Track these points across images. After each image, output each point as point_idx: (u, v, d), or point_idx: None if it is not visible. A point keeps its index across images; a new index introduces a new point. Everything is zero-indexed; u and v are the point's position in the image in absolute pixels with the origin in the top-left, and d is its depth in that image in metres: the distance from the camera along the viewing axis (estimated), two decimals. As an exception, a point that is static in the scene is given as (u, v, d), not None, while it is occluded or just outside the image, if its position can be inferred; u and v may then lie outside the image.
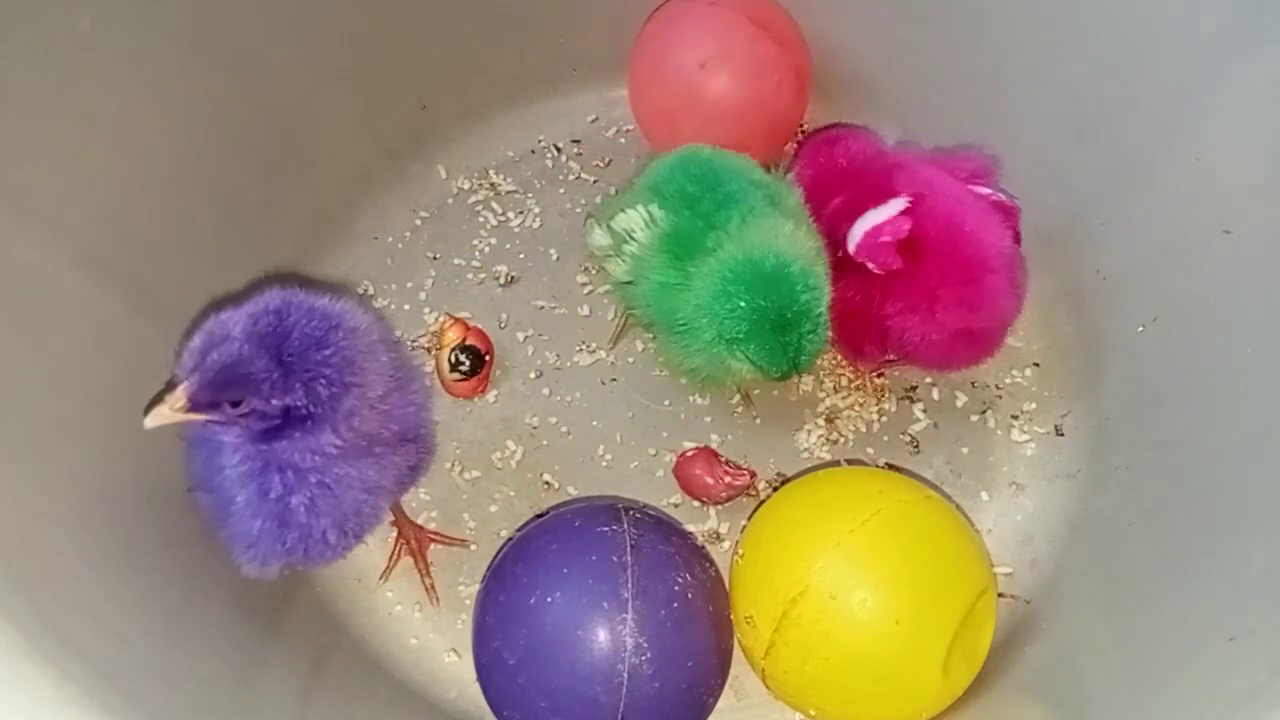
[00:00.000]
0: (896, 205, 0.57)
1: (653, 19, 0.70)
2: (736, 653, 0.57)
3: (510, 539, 0.62)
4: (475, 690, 0.57)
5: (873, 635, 0.50)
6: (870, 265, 0.58)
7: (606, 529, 0.55)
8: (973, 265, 0.57)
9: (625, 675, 0.51)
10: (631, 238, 0.57)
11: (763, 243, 0.54)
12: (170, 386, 0.44)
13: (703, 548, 0.60)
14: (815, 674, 0.52)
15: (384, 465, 0.51)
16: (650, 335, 0.66)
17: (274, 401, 0.44)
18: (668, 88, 0.68)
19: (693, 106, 0.66)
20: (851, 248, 0.58)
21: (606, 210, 0.61)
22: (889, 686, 0.51)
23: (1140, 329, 0.60)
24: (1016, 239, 0.60)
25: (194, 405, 0.44)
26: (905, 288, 0.58)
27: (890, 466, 0.64)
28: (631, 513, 0.57)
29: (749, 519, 0.60)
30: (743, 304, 0.53)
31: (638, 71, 0.71)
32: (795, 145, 0.72)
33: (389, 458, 0.51)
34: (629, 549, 0.53)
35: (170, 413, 0.44)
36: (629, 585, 0.52)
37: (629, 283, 0.58)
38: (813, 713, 0.55)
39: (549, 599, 0.52)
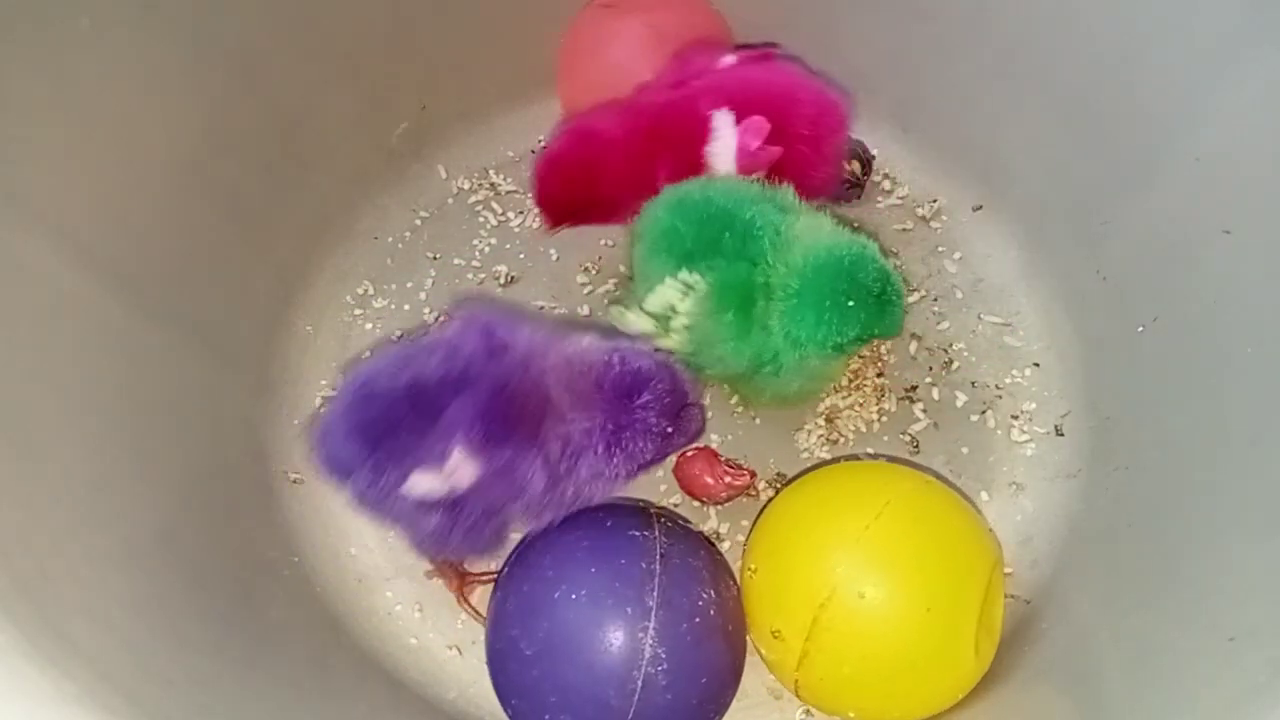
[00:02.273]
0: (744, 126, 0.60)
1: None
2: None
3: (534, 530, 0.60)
4: (475, 690, 0.57)
5: (908, 626, 0.50)
6: (766, 171, 0.60)
7: (638, 534, 0.54)
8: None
9: (640, 683, 0.50)
10: (675, 311, 0.55)
11: (824, 252, 0.54)
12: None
13: (727, 564, 0.59)
14: (853, 674, 0.51)
15: None
16: (725, 386, 0.65)
17: None
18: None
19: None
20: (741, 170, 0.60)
21: (632, 294, 0.59)
22: (927, 673, 0.51)
23: (1140, 329, 0.60)
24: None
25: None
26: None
27: (890, 466, 0.64)
28: (663, 520, 0.56)
29: (751, 530, 0.59)
30: (850, 303, 0.53)
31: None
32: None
33: None
34: (659, 558, 0.53)
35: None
36: (655, 594, 0.51)
37: (693, 352, 0.56)
38: (852, 715, 0.54)
39: (574, 595, 0.51)
